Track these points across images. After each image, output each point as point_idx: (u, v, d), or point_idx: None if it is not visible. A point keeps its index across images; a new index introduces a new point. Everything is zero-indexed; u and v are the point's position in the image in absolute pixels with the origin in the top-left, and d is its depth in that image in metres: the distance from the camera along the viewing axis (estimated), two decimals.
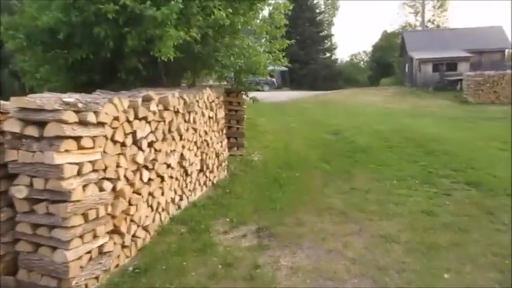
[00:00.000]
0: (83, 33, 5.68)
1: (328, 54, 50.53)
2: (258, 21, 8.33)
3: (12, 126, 3.23)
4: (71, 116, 3.22)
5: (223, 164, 7.20)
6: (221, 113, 7.17)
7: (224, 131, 7.42)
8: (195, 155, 5.90)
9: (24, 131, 3.22)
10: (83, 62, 5.89)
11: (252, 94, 8.97)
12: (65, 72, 6.25)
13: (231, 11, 6.32)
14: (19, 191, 3.29)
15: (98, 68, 6.22)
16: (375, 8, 78.02)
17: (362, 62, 57.80)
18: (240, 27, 7.21)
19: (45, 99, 3.23)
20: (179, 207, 5.39)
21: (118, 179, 3.91)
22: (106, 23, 5.46)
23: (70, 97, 3.40)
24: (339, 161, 8.55)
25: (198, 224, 4.97)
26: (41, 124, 3.20)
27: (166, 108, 4.88)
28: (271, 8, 8.61)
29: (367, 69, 53.00)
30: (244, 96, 8.56)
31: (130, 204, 4.14)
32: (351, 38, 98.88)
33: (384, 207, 5.59)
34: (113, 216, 3.86)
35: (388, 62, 44.54)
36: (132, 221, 4.18)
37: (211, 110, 6.61)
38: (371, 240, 4.56)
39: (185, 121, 5.50)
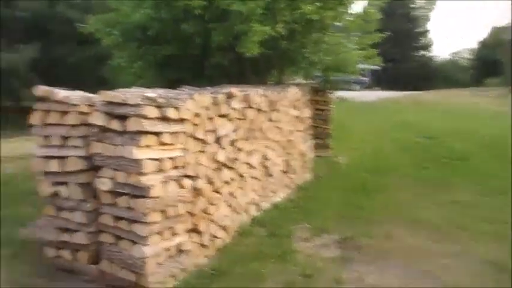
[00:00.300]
0: (173, 30, 5.78)
1: (423, 52, 47.30)
2: (349, 16, 7.85)
3: (98, 119, 3.29)
4: (151, 111, 3.18)
5: (308, 166, 6.89)
6: (307, 112, 6.86)
7: (310, 131, 7.11)
8: (278, 155, 5.68)
9: (108, 125, 3.26)
10: (171, 58, 6.01)
11: (341, 93, 8.51)
12: (154, 68, 6.45)
13: (318, 5, 5.98)
14: (103, 184, 3.35)
15: (186, 64, 6.31)
16: (478, 1, 71.03)
17: (464, 60, 52.88)
18: (329, 22, 6.82)
19: (129, 93, 3.24)
20: (260, 208, 5.22)
21: (198, 177, 3.83)
22: (193, 19, 5.49)
23: (153, 92, 3.37)
24: (435, 169, 7.71)
25: (279, 228, 4.74)
26: (124, 118, 3.21)
27: (249, 106, 4.74)
28: (366, 2, 8.08)
29: (470, 68, 48.42)
30: (331, 96, 8.16)
31: (210, 203, 4.04)
32: (453, 34, 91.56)
33: (492, 227, 4.80)
34: (192, 215, 3.79)
35: (494, 59, 40.05)
36: (211, 220, 4.09)
37: (297, 108, 6.34)
38: (475, 265, 3.91)
39: (268, 120, 5.31)
